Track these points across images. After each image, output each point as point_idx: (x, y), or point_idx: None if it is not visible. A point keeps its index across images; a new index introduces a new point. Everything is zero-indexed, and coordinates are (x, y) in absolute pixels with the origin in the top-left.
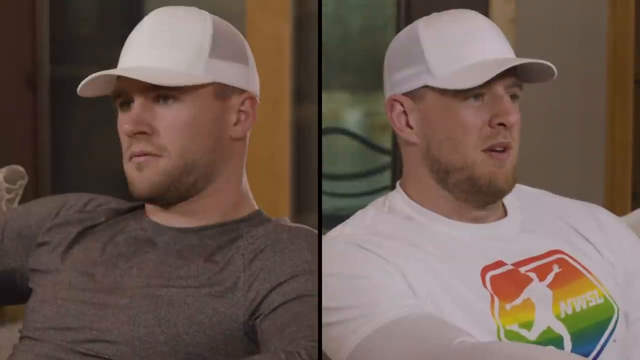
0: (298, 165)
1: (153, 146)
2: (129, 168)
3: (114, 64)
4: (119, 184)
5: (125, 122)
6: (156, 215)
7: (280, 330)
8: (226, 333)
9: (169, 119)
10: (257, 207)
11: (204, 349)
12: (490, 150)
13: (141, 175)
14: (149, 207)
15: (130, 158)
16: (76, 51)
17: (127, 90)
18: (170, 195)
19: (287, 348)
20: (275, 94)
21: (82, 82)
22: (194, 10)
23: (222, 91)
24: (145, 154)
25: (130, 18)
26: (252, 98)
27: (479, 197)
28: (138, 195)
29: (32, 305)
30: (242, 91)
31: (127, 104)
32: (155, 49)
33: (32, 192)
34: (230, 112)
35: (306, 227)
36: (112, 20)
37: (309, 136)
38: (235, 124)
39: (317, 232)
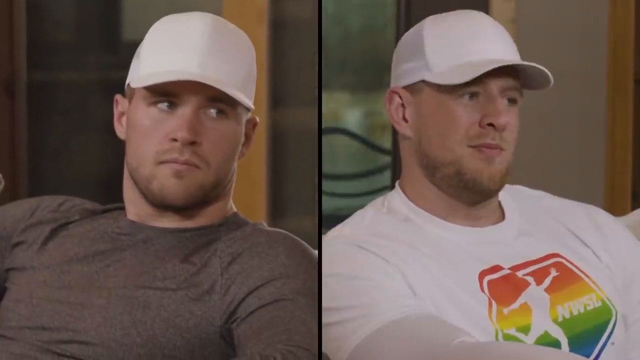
0: (274, 171)
1: (198, 157)
2: (162, 172)
3: (91, 69)
4: (96, 188)
5: (175, 127)
6: (154, 220)
7: (257, 334)
8: (202, 336)
9: (215, 133)
10: (234, 209)
11: (180, 351)
12: (478, 147)
13: (180, 183)
14: (137, 211)
15: (164, 162)
16: (54, 57)
17: (179, 93)
18: (191, 205)
19: (263, 352)
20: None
21: (159, 80)
22: (240, 31)
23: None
24: (187, 164)
25: (108, 24)
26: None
27: (466, 194)
28: (171, 201)
29: (6, 304)
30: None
31: (169, 105)
32: (219, 61)
33: (9, 197)
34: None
35: (283, 231)
36: (90, 26)
37: (285, 141)
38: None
39: (294, 236)
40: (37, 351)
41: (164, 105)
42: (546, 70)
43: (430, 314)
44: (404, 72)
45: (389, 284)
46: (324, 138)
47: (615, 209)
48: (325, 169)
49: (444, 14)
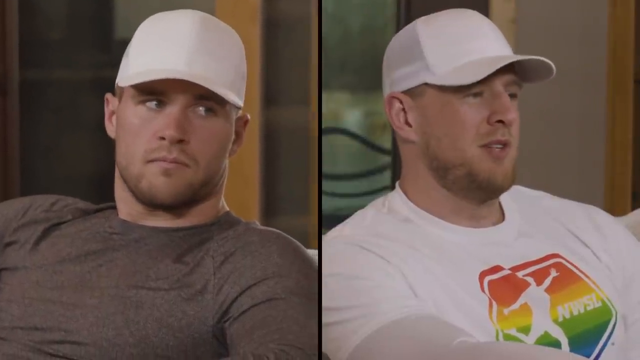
0: (267, 169)
1: (186, 156)
2: (150, 171)
3: (84, 67)
4: (88, 187)
5: (163, 125)
6: (145, 219)
7: (250, 333)
8: (195, 336)
9: (204, 131)
10: (227, 208)
11: (173, 351)
12: (488, 146)
13: (168, 181)
14: (128, 210)
15: (153, 161)
16: (46, 55)
17: (167, 91)
18: (181, 204)
19: (256, 351)
20: (244, 98)
21: (146, 79)
22: (229, 28)
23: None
24: (176, 162)
25: (100, 22)
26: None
27: (478, 194)
28: (160, 200)
29: None
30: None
31: (157, 104)
32: (207, 59)
33: (1, 196)
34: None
35: (276, 230)
36: (82, 24)
37: (278, 139)
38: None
39: (286, 235)
40: (30, 351)
41: (152, 104)
42: (549, 62)
43: (431, 314)
44: (401, 77)
45: (389, 284)
46: (323, 138)
47: (615, 209)
48: (325, 169)
49: (433, 15)
